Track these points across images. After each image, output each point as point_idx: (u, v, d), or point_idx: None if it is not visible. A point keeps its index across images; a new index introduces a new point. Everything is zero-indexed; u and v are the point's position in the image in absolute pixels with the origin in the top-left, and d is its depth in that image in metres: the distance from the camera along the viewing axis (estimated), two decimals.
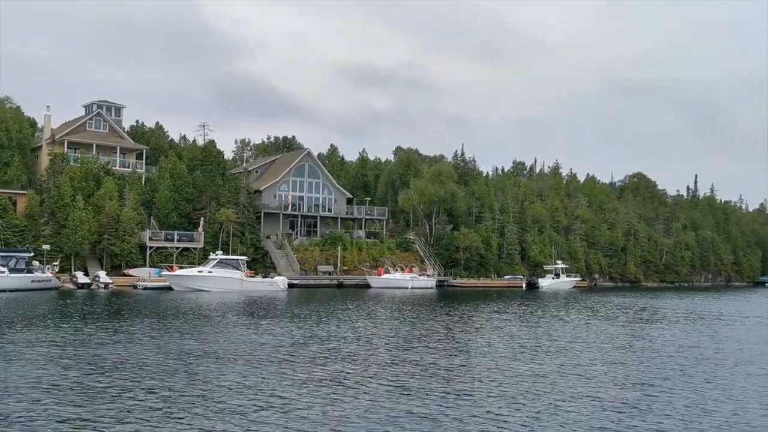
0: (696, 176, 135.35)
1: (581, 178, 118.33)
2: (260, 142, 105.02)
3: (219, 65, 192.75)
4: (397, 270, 68.10)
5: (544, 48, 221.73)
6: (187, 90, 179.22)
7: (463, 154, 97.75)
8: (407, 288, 63.42)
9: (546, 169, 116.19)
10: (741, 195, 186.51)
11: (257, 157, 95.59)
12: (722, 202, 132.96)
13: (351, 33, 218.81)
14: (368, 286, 63.79)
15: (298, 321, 29.76)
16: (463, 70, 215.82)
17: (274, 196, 72.72)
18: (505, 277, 78.81)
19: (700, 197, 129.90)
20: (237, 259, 54.18)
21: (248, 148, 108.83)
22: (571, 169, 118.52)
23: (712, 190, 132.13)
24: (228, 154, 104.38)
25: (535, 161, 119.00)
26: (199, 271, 52.26)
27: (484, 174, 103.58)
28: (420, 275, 69.06)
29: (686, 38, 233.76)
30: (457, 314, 35.90)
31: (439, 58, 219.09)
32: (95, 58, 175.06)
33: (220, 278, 51.80)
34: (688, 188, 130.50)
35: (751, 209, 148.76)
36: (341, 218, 76.33)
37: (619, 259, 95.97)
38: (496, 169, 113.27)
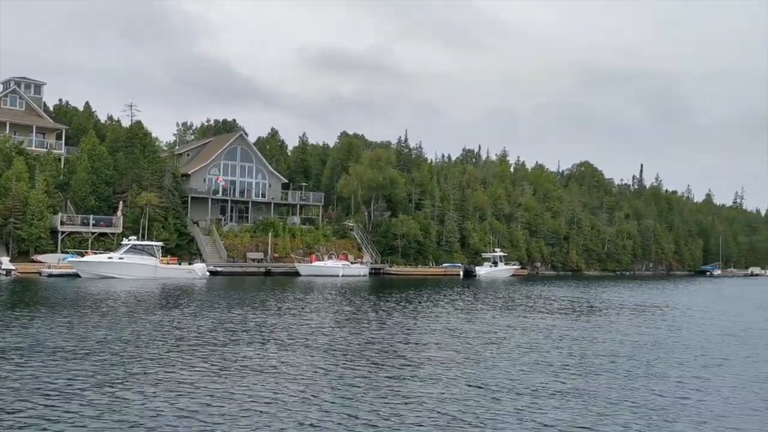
0: (642, 166, 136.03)
1: (530, 166, 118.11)
2: (200, 125, 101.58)
3: (180, 47, 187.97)
4: (330, 257, 66.10)
5: (515, 35, 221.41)
6: (146, 71, 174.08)
7: (406, 140, 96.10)
8: (338, 276, 61.48)
9: (493, 157, 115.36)
10: (689, 185, 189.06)
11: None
12: (668, 192, 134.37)
13: (317, 16, 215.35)
14: (297, 274, 61.67)
15: (197, 310, 27.61)
16: (432, 57, 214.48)
17: (204, 180, 69.97)
18: (444, 265, 77.53)
19: (647, 187, 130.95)
20: (151, 245, 51.48)
21: (191, 131, 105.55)
22: (518, 157, 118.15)
23: (657, 180, 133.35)
24: (170, 138, 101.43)
25: (480, 148, 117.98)
26: (109, 257, 49.46)
27: (430, 161, 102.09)
28: (354, 263, 67.28)
29: (656, 29, 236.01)
30: (359, 303, 34.12)
31: (407, 44, 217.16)
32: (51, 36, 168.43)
33: (131, 265, 49.12)
34: (633, 177, 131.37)
35: (698, 200, 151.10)
36: (275, 204, 74.00)
37: (561, 247, 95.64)
38: (443, 156, 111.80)
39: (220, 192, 69.95)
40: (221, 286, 45.98)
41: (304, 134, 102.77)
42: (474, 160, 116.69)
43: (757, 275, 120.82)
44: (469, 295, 43.93)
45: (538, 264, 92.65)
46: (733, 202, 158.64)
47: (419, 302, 36.01)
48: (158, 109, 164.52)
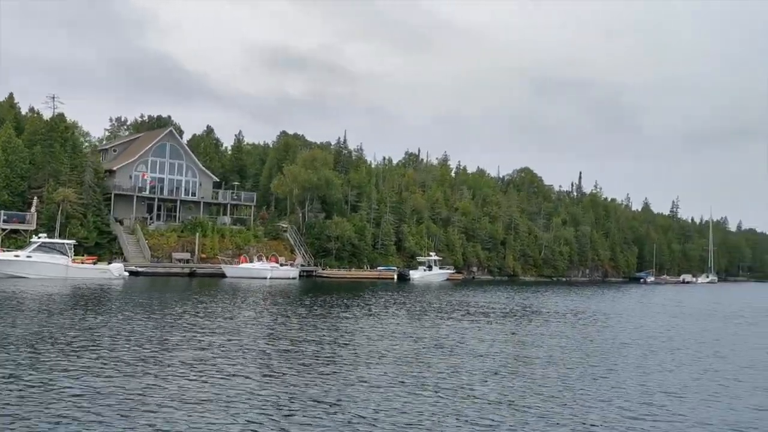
0: (580, 173, 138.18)
1: (472, 171, 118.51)
2: (133, 120, 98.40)
3: (127, 42, 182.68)
4: (260, 259, 64.40)
5: (468, 40, 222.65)
6: (89, 65, 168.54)
7: (345, 141, 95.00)
8: (266, 278, 59.83)
9: (434, 161, 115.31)
10: (628, 194, 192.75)
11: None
12: (607, 200, 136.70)
13: (268, 15, 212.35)
14: (223, 276, 59.85)
15: (85, 313, 25.84)
16: (384, 59, 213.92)
17: (130, 177, 67.46)
18: (378, 268, 76.68)
19: (586, 194, 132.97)
20: (62, 243, 48.98)
21: (125, 126, 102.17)
22: (459, 162, 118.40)
23: (596, 187, 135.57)
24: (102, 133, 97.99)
25: (419, 152, 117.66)
26: (16, 256, 46.88)
27: (370, 163, 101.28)
28: (284, 265, 65.74)
29: (605, 39, 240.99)
30: (267, 307, 32.82)
31: (358, 45, 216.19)
32: None
33: (40, 264, 46.62)
34: (572, 185, 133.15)
35: (637, 208, 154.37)
36: (205, 203, 71.95)
37: (498, 252, 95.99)
38: (384, 159, 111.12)
39: (147, 190, 67.56)
40: (138, 287, 43.93)
41: (240, 132, 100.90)
42: (415, 163, 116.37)
43: (688, 282, 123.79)
44: (391, 300, 43.05)
45: (475, 269, 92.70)
46: (670, 211, 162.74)
47: (337, 306, 34.89)
48: (100, 104, 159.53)
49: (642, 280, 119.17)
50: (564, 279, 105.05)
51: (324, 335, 22.74)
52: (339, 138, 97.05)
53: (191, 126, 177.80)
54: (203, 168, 73.93)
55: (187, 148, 73.87)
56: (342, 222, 75.02)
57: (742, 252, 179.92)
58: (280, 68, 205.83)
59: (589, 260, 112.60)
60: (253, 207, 75.04)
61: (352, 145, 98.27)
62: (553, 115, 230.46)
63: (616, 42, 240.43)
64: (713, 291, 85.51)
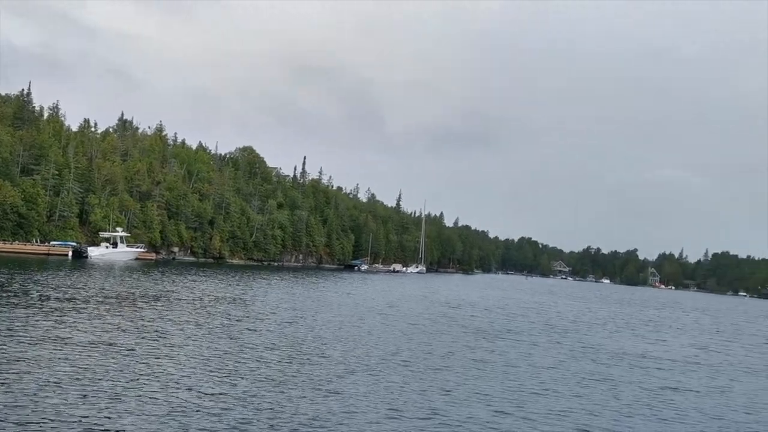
0: (305, 158, 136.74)
1: (194, 145, 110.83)
2: None
3: None
4: None
5: (229, 13, 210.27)
6: None
7: (29, 94, 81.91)
8: None
9: (148, 131, 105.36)
10: (357, 184, 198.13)
11: None
12: (330, 187, 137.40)
13: None
14: None
15: None
16: (129, 16, 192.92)
17: None
18: (52, 243, 66.65)
19: (311, 179, 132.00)
20: None
21: None
22: (176, 134, 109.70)
23: (320, 173, 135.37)
24: None
25: (133, 119, 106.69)
26: None
27: (64, 124, 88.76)
28: None
29: (364, 35, 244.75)
30: None
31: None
32: None
33: None
34: (295, 168, 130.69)
35: (364, 199, 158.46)
36: None
37: (205, 232, 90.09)
38: (87, 122, 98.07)
39: None
40: None
41: None
42: (128, 131, 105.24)
43: (398, 272, 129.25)
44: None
45: (176, 249, 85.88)
46: (397, 204, 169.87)
47: None
48: None
49: (357, 267, 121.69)
50: (276, 263, 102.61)
51: None
52: (22, 89, 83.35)
53: None
54: None
55: None
56: (6, 186, 63.67)
57: (453, 245, 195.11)
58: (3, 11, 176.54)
59: (303, 245, 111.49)
60: None
61: (45, 102, 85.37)
62: (307, 99, 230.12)
63: (373, 38, 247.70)
64: (392, 282, 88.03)
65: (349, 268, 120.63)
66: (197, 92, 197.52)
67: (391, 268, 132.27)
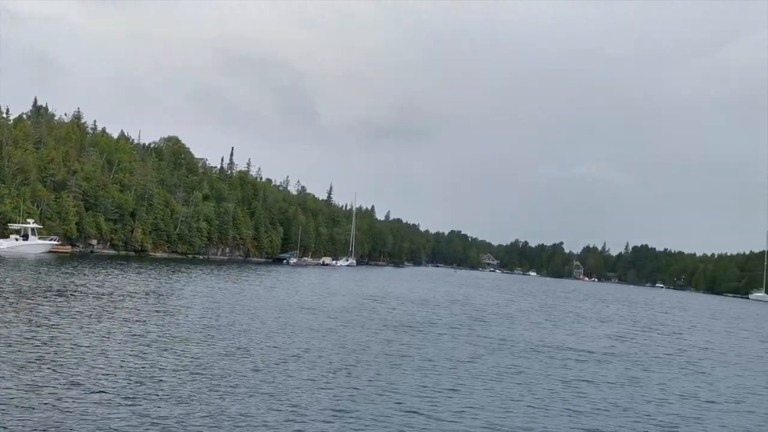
0: (232, 149, 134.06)
1: (115, 134, 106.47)
2: None
3: None
4: None
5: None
6: None
7: None
8: None
9: (65, 118, 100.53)
10: (287, 176, 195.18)
11: None
12: (260, 179, 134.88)
13: None
14: None
15: None
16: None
17: None
18: None
19: (239, 171, 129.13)
20: None
21: None
22: (95, 121, 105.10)
23: (248, 165, 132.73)
24: None
25: (47, 105, 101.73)
26: None
27: None
28: None
29: (299, 26, 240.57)
30: None
31: None
32: None
33: None
34: (222, 160, 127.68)
35: (295, 192, 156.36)
36: None
37: (126, 224, 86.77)
38: None
39: None
40: None
41: None
42: (43, 118, 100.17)
43: (327, 265, 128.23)
44: None
45: (94, 241, 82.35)
46: (328, 197, 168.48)
47: None
48: None
49: (285, 261, 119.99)
50: (201, 257, 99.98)
51: None
52: None
53: None
54: None
55: None
56: None
57: (384, 238, 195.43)
58: None
59: (230, 238, 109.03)
60: None
61: None
62: (238, 90, 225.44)
63: (308, 31, 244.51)
64: (320, 276, 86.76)
65: (278, 261, 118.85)
66: (122, 80, 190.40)
67: (321, 261, 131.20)
